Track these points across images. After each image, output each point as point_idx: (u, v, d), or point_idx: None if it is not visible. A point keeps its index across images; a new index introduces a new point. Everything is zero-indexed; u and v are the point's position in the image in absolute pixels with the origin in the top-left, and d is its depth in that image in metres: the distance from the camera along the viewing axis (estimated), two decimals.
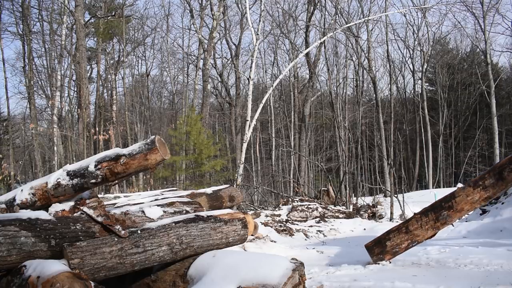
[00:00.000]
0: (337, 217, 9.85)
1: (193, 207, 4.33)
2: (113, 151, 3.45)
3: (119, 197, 4.92)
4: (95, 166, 3.37)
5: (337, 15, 20.90)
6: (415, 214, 4.83)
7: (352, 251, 5.89)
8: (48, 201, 3.50)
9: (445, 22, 59.25)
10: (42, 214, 3.16)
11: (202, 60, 21.84)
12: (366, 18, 20.59)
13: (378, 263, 4.78)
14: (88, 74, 25.86)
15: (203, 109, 19.47)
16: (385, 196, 17.41)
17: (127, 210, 3.72)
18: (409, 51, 32.25)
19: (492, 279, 4.02)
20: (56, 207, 3.44)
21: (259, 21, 13.27)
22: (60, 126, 18.36)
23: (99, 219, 3.30)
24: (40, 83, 23.05)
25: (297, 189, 16.30)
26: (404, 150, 34.48)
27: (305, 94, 23.42)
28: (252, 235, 5.93)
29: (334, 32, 17.43)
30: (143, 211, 3.80)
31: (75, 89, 22.72)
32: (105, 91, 27.00)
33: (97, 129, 13.61)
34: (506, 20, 47.29)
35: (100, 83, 25.78)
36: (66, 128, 17.28)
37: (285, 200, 11.60)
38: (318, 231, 8.32)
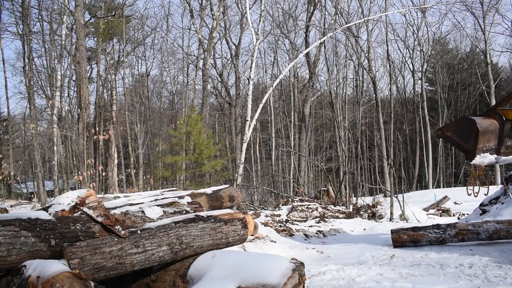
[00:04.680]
0: (337, 217, 9.85)
1: (193, 207, 4.33)
2: None
3: (119, 197, 4.91)
4: None
5: (337, 15, 20.90)
6: None
7: (352, 251, 5.89)
8: None
9: (445, 22, 59.32)
10: (42, 214, 3.16)
11: (202, 60, 21.82)
12: (366, 18, 20.59)
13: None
14: (88, 74, 25.88)
15: (203, 109, 19.46)
16: (385, 196, 17.43)
17: (127, 210, 3.72)
18: (409, 51, 32.30)
19: (492, 279, 4.03)
20: (56, 207, 3.43)
21: (259, 21, 13.27)
22: (60, 126, 18.36)
23: (99, 219, 3.30)
24: (40, 83, 23.06)
25: (297, 189, 16.30)
26: (404, 150, 34.50)
27: (305, 94, 23.42)
28: (252, 235, 5.92)
29: (334, 32, 17.43)
30: (143, 211, 3.80)
31: (75, 89, 22.73)
32: (105, 91, 26.99)
33: (97, 129, 13.63)
34: (506, 20, 47.32)
35: (100, 83, 25.78)
36: (66, 128, 17.28)
37: (285, 200, 11.60)
38: (318, 231, 8.31)
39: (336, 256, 5.65)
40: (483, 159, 5.99)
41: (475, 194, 6.52)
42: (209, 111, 25.00)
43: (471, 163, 6.04)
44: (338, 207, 10.69)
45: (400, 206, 10.58)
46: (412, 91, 34.46)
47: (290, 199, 11.53)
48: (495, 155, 6.15)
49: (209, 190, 5.63)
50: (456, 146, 6.46)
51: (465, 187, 6.93)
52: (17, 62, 26.47)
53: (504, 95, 32.81)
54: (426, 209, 12.54)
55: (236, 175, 12.43)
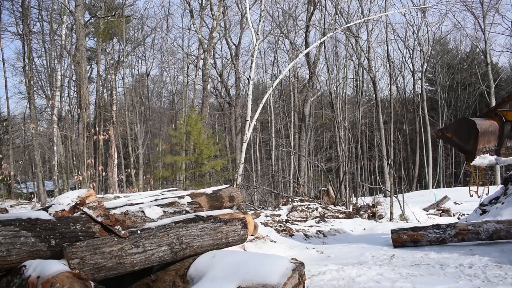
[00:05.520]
0: (337, 217, 9.85)
1: (193, 207, 4.33)
2: None
3: (119, 197, 4.91)
4: None
5: (337, 15, 20.90)
6: None
7: (352, 251, 5.89)
8: None
9: (445, 22, 59.34)
10: (42, 214, 3.16)
11: (202, 60, 21.82)
12: (366, 18, 20.59)
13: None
14: (88, 74, 25.87)
15: (203, 109, 19.45)
16: (385, 196, 17.43)
17: (127, 210, 3.72)
18: (409, 51, 32.30)
19: (492, 279, 4.03)
20: (56, 207, 3.43)
21: (259, 21, 13.27)
22: (60, 126, 18.35)
23: (99, 219, 3.30)
24: (40, 83, 23.07)
25: (297, 189, 16.30)
26: (404, 150, 34.49)
27: (305, 94, 23.43)
28: (252, 235, 5.92)
29: (334, 32, 17.43)
30: (143, 211, 3.80)
31: (75, 89, 22.74)
32: (105, 91, 27.01)
33: (97, 129, 13.59)
34: (506, 20, 47.48)
35: (100, 83, 25.78)
36: (66, 128, 17.27)
37: (285, 200, 11.60)
38: (318, 231, 8.31)
39: (336, 256, 5.64)
40: (483, 160, 6.01)
41: (478, 195, 6.54)
42: (209, 111, 24.99)
43: (471, 164, 6.06)
44: (338, 207, 10.69)
45: (400, 206, 10.58)
46: (412, 91, 34.49)
47: (290, 199, 11.52)
48: (495, 156, 6.17)
49: (209, 190, 5.62)
50: (456, 147, 6.49)
51: (467, 187, 6.94)
52: (17, 62, 26.45)
53: (504, 96, 32.85)
54: (426, 209, 12.54)
55: (236, 175, 12.43)
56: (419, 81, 31.61)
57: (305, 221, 9.42)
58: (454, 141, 6.24)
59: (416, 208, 11.52)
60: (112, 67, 25.62)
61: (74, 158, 13.31)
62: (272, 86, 14.89)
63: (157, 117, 29.74)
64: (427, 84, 34.68)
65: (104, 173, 12.58)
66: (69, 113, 22.79)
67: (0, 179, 12.11)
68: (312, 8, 21.28)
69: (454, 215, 11.93)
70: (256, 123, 19.38)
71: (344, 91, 25.82)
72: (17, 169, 21.22)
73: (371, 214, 10.49)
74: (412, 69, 32.71)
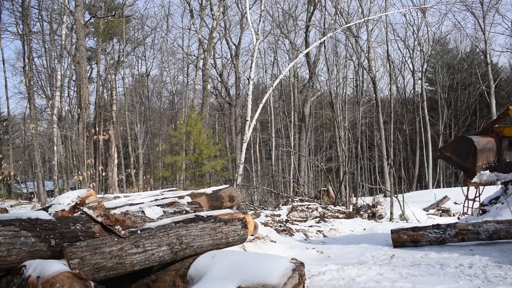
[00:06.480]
0: (337, 217, 9.84)
1: (193, 207, 4.33)
2: None
3: (119, 197, 4.90)
4: None
5: (337, 15, 20.92)
6: None
7: (352, 251, 5.89)
8: None
9: (445, 22, 59.38)
10: (42, 214, 3.16)
11: (202, 60, 21.82)
12: (366, 18, 20.59)
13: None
14: (88, 74, 25.86)
15: (203, 109, 19.45)
16: (385, 196, 17.43)
17: (127, 210, 3.72)
18: (409, 51, 32.30)
19: (492, 279, 4.03)
20: (56, 207, 3.43)
21: (259, 21, 13.26)
22: (60, 126, 18.35)
23: (99, 219, 3.29)
24: (40, 83, 23.05)
25: (297, 189, 16.29)
26: (404, 150, 34.48)
27: (305, 94, 23.42)
28: (252, 235, 5.92)
29: (334, 32, 17.44)
30: (143, 211, 3.80)
31: (75, 89, 22.73)
32: (105, 91, 26.99)
33: (97, 129, 13.58)
34: (506, 20, 47.50)
35: (100, 83, 25.77)
36: (66, 128, 17.26)
37: (285, 200, 11.59)
38: (318, 231, 8.31)
39: (336, 256, 5.65)
40: (483, 176, 6.06)
41: (472, 213, 6.62)
42: (209, 111, 24.99)
43: (472, 181, 6.09)
44: (338, 207, 10.68)
45: (400, 206, 10.58)
46: (412, 91, 34.49)
47: (290, 199, 11.52)
48: (495, 172, 6.22)
49: (209, 190, 5.62)
50: (456, 166, 6.57)
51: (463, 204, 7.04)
52: (17, 62, 26.44)
53: (504, 95, 32.89)
54: (426, 209, 12.54)
55: (236, 175, 12.43)
56: (419, 81, 31.61)
57: (305, 221, 9.41)
58: (453, 160, 6.32)
59: (416, 208, 11.51)
60: (112, 67, 25.62)
61: (74, 158, 13.30)
62: (272, 86, 14.89)
63: (157, 117, 29.74)
64: (427, 84, 34.68)
65: (104, 173, 12.57)
66: (69, 113, 22.76)
67: (0, 179, 12.10)
68: (312, 8, 21.28)
69: (454, 215, 11.93)
70: (256, 123, 19.39)
71: (344, 91, 25.85)
72: (17, 169, 21.22)
73: (371, 214, 10.48)
74: (412, 69, 32.74)
